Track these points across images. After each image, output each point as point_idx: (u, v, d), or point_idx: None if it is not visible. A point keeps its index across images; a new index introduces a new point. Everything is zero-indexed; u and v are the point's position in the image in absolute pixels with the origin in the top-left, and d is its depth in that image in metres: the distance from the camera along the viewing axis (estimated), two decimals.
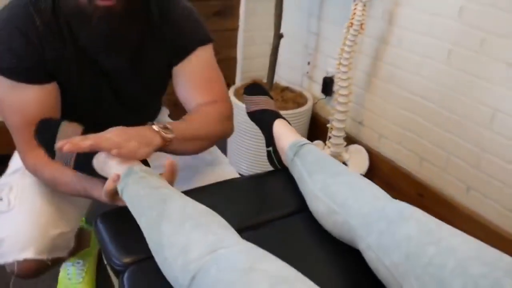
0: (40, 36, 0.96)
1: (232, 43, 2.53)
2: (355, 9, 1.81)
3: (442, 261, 0.69)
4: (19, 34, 0.95)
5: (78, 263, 1.47)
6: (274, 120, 1.20)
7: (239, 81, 2.58)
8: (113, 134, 0.89)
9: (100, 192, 0.91)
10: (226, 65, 2.54)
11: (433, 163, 1.84)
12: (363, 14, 1.81)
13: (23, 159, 1.04)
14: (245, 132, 2.14)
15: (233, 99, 2.21)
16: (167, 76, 1.17)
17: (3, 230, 1.02)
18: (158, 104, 1.38)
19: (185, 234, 0.76)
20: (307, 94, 2.32)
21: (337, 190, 0.93)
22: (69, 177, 0.97)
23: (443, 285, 0.67)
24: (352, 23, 1.83)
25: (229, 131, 1.19)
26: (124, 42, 1.00)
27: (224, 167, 1.29)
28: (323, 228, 0.97)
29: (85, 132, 0.94)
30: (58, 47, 0.99)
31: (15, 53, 0.95)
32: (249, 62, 2.58)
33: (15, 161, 1.17)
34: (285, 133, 1.16)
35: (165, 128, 0.96)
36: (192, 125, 1.06)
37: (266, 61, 2.35)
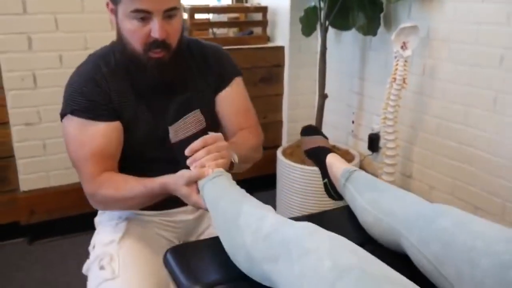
0: (107, 80, 1.15)
1: (278, 108, 2.65)
2: (396, 65, 1.90)
3: (472, 244, 0.77)
4: (90, 80, 1.14)
5: None
6: (327, 154, 1.30)
7: (285, 142, 2.67)
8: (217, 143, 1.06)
9: (174, 180, 1.03)
10: (273, 128, 2.65)
11: (488, 211, 1.81)
12: (405, 69, 1.89)
13: (85, 185, 1.15)
14: (293, 191, 2.19)
15: (281, 158, 2.28)
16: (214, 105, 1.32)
17: None
18: None
19: (263, 211, 0.89)
20: (353, 151, 2.37)
21: (383, 202, 1.03)
22: (130, 184, 1.10)
23: (473, 265, 0.74)
24: (395, 78, 1.91)
25: (261, 152, 1.35)
26: (174, 83, 1.20)
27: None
28: (385, 260, 1.00)
29: (204, 129, 1.09)
30: (120, 89, 1.17)
31: (86, 95, 1.13)
32: (295, 125, 2.67)
33: (107, 232, 1.23)
34: (337, 163, 1.27)
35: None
36: (242, 150, 1.18)
37: (310, 123, 2.44)
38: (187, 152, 1.04)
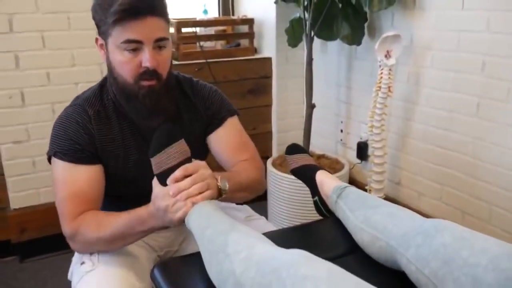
0: (92, 123, 1.17)
1: (267, 118, 2.67)
2: (381, 73, 1.92)
3: (476, 260, 0.76)
4: (75, 123, 1.16)
5: None
6: (316, 172, 1.29)
7: (275, 153, 2.68)
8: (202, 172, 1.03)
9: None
10: (263, 138, 2.66)
11: (476, 216, 1.83)
12: (389, 78, 1.91)
13: (64, 225, 1.13)
14: (283, 201, 2.20)
15: (271, 169, 2.29)
16: (204, 146, 1.33)
17: (93, 285, 1.09)
18: None
19: (252, 239, 0.88)
20: (342, 160, 2.39)
21: (377, 220, 1.01)
22: (113, 215, 1.09)
23: (477, 282, 0.73)
24: (380, 87, 1.93)
25: (264, 185, 1.34)
26: (164, 112, 1.18)
27: (261, 221, 1.38)
28: (375, 266, 1.01)
29: (189, 158, 1.06)
30: (105, 128, 1.19)
31: (71, 138, 1.14)
32: (284, 135, 2.69)
33: None
34: (327, 181, 1.25)
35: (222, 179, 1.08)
36: (238, 177, 1.18)
37: (299, 133, 2.46)
38: (168, 181, 1.01)
